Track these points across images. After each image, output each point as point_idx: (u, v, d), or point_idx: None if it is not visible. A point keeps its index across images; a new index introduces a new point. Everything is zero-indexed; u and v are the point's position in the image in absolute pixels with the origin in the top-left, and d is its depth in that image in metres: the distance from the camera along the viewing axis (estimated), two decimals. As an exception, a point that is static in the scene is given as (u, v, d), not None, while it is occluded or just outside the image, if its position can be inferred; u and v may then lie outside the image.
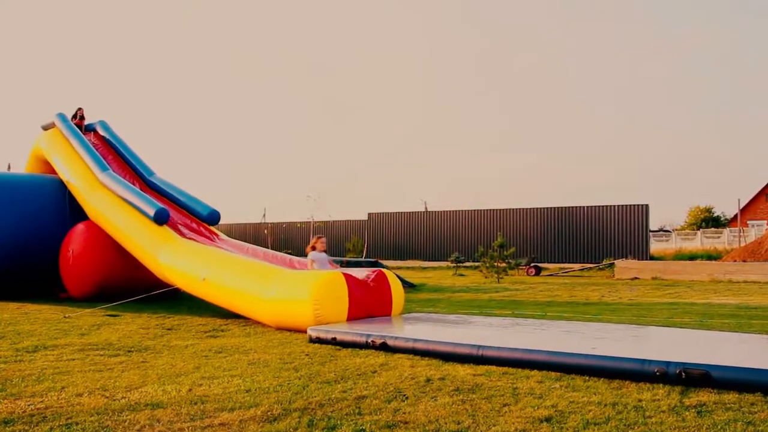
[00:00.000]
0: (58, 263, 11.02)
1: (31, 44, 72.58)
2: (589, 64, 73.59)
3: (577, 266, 24.95)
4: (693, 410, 3.65)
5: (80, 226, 10.84)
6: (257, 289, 7.57)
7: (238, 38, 75.83)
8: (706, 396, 3.94)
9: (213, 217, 10.64)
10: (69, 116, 12.72)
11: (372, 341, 5.80)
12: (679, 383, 4.19)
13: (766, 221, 41.74)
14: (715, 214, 48.91)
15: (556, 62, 73.81)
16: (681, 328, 7.10)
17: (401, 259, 30.30)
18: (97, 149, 11.85)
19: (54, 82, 72.99)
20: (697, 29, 70.87)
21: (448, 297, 12.61)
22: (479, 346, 5.17)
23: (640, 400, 3.87)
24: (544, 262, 26.30)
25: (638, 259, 23.78)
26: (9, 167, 15.61)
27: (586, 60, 74.29)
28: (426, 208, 38.12)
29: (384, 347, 5.70)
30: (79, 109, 12.97)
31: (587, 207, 27.17)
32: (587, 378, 4.49)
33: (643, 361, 4.38)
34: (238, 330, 7.41)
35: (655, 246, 32.66)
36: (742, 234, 29.66)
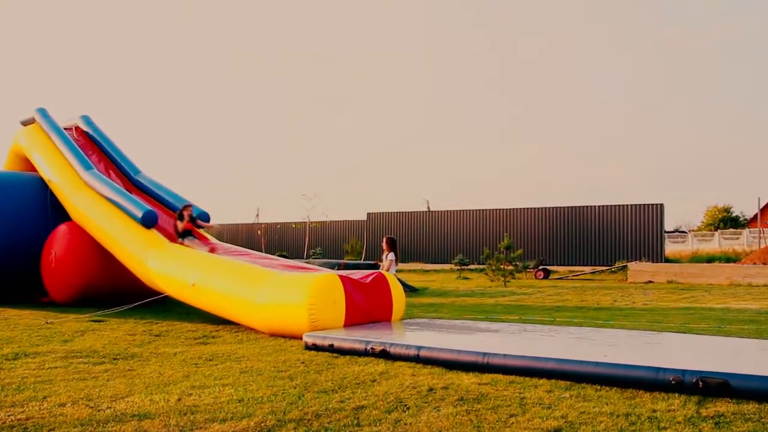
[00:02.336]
0: (39, 266, 11.02)
1: (9, 36, 72.62)
2: (600, 55, 73.66)
3: (587, 269, 24.96)
4: (710, 421, 3.65)
5: (63, 228, 10.85)
6: (249, 294, 7.58)
7: (230, 30, 75.93)
8: (724, 406, 3.95)
9: (202, 218, 10.65)
10: (50, 113, 12.69)
11: (371, 348, 5.81)
12: (695, 393, 4.20)
13: (787, 221, 41.72)
14: (734, 214, 48.91)
15: (566, 53, 73.87)
16: (698, 334, 7.10)
17: (402, 262, 30.30)
18: (80, 146, 11.85)
19: (34, 75, 73.03)
20: (717, 19, 70.94)
21: (451, 301, 12.62)
22: (485, 354, 5.17)
23: (654, 411, 3.88)
24: (553, 265, 26.32)
25: (652, 262, 23.79)
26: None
27: (596, 51, 74.34)
28: (428, 207, 38.15)
29: (384, 354, 5.70)
30: (187, 206, 10.16)
31: (599, 206, 27.19)
32: (599, 387, 4.49)
33: (658, 369, 4.38)
34: (229, 336, 7.42)
35: (671, 248, 32.68)
36: (762, 235, 29.65)
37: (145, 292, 9.71)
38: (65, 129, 12.27)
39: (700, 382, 4.18)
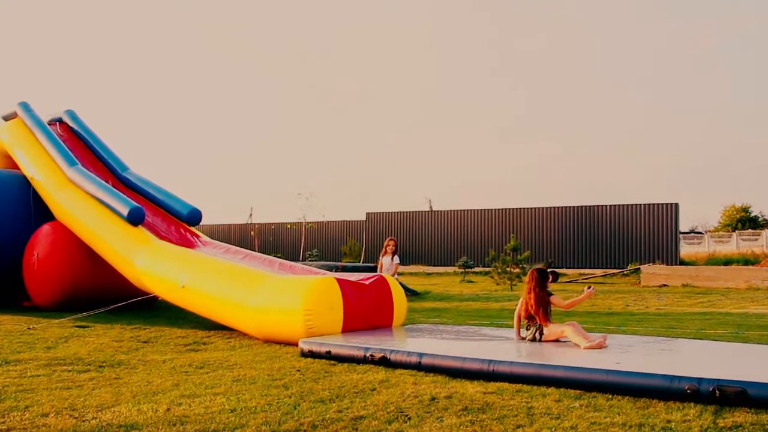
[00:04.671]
0: (21, 268, 11.02)
1: (-9, 25, 72.62)
2: (611, 48, 73.67)
3: (599, 272, 24.96)
4: (728, 432, 3.65)
5: (46, 228, 10.85)
6: (242, 297, 7.58)
7: (222, 23, 75.95)
8: (742, 416, 3.95)
9: (194, 217, 10.65)
10: (33, 107, 12.69)
11: (371, 355, 5.81)
12: (712, 402, 4.20)
13: (809, 222, 41.76)
14: (753, 214, 48.95)
15: (575, 47, 73.89)
16: (715, 340, 7.11)
17: (403, 264, 30.21)
18: (64, 142, 11.85)
19: (16, 68, 73.09)
20: (732, 11, 70.93)
21: (455, 306, 12.63)
22: (490, 361, 5.17)
23: (668, 421, 3.88)
24: (562, 268, 26.32)
25: (667, 264, 23.80)
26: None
27: (607, 44, 74.37)
28: (431, 207, 38.21)
29: (384, 362, 5.70)
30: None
31: (610, 206, 27.18)
32: (610, 396, 4.49)
33: (673, 377, 4.38)
34: (221, 343, 7.42)
35: (686, 249, 32.69)
36: (782, 236, 29.69)
37: (133, 296, 9.70)
38: (49, 124, 12.27)
39: (717, 391, 4.18)
